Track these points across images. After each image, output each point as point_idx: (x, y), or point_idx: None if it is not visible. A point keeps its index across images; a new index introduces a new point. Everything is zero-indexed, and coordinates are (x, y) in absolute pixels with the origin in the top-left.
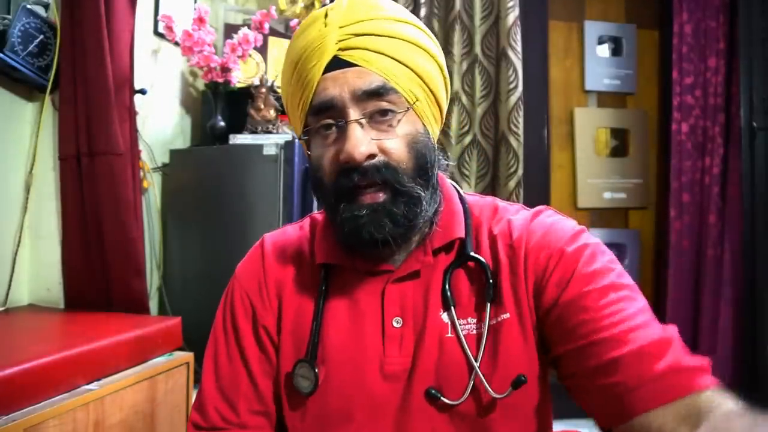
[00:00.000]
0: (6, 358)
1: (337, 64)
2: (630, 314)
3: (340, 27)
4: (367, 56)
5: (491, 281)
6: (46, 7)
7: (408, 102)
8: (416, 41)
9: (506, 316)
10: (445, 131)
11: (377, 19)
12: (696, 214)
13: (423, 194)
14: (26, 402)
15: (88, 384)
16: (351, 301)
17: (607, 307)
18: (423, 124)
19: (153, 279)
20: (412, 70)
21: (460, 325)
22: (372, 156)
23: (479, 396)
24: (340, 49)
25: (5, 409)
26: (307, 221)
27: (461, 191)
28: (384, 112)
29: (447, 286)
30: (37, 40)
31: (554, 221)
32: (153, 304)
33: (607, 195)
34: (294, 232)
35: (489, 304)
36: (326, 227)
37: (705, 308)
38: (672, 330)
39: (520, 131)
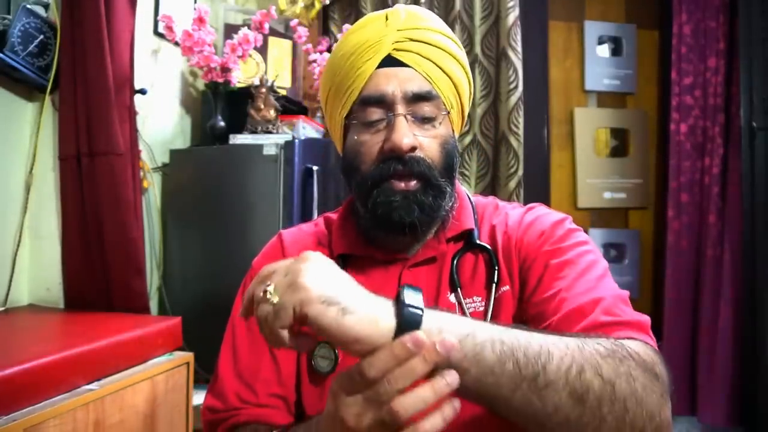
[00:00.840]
0: (6, 358)
1: (389, 62)
2: (570, 285)
3: (398, 30)
4: (418, 60)
5: (496, 267)
6: (46, 7)
7: (446, 107)
8: (456, 55)
9: (506, 288)
10: None
11: (428, 29)
12: (695, 214)
13: (449, 190)
14: (26, 402)
15: (88, 384)
16: (368, 285)
17: (555, 281)
18: (453, 129)
19: (153, 279)
20: (450, 79)
21: (466, 304)
22: (413, 149)
23: None
24: (395, 49)
25: (5, 409)
26: (321, 220)
27: (466, 190)
28: (426, 113)
29: (454, 270)
30: (37, 40)
31: (544, 213)
32: (153, 304)
33: (607, 195)
34: (309, 228)
35: (494, 285)
36: (344, 222)
37: (704, 308)
38: (608, 291)
39: (520, 131)
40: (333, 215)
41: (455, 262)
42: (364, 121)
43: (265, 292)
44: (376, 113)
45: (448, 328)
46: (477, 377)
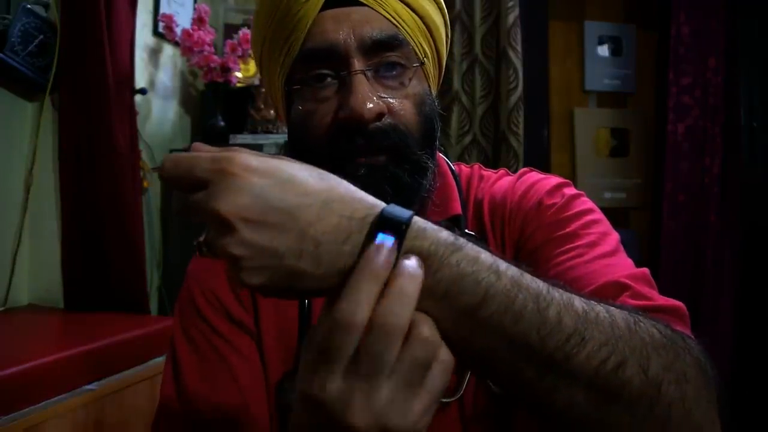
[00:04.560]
0: (6, 358)
1: None
2: (580, 263)
3: None
4: None
5: None
6: (46, 7)
7: (418, 57)
8: None
9: None
10: (445, 131)
11: None
12: (695, 215)
13: (430, 165)
14: (26, 402)
15: (88, 384)
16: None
17: (561, 259)
18: (429, 84)
19: (153, 279)
20: (422, 19)
21: None
22: (380, 116)
23: (480, 391)
24: None
25: (5, 409)
26: None
27: (448, 160)
28: (392, 66)
29: None
30: (37, 40)
31: (538, 179)
32: (153, 304)
33: (607, 195)
34: None
35: None
36: None
37: (704, 309)
38: (627, 269)
39: (520, 131)
40: None
41: None
42: (309, 84)
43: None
44: (325, 72)
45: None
46: (477, 349)
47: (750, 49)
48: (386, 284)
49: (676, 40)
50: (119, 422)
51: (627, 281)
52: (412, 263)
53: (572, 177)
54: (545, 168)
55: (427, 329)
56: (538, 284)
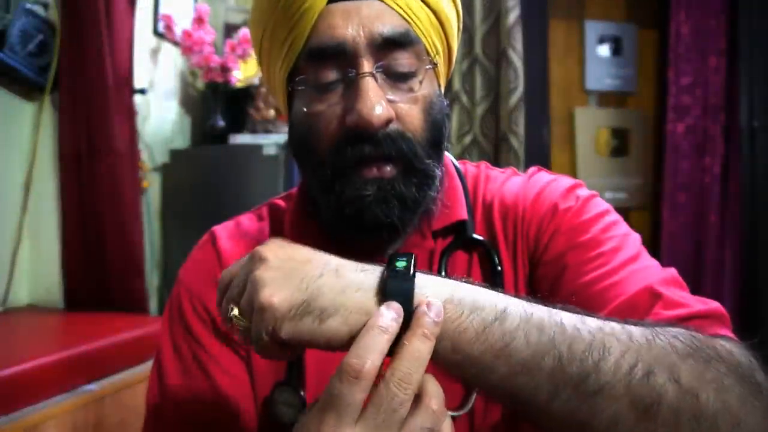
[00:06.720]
0: (6, 358)
1: None
2: (607, 271)
3: None
4: None
5: (500, 268)
6: (46, 6)
7: (430, 55)
8: None
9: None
10: None
11: None
12: (695, 215)
13: (437, 173)
14: (26, 402)
15: (88, 384)
16: None
17: (584, 268)
18: (438, 83)
19: (153, 279)
20: (435, 14)
21: None
22: (388, 121)
23: (490, 404)
24: None
25: (5, 409)
26: (265, 210)
27: (453, 159)
28: (403, 70)
29: (443, 274)
30: (37, 39)
31: (549, 180)
32: (153, 304)
33: (608, 195)
34: (251, 223)
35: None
36: (298, 216)
37: None
38: (656, 274)
39: (521, 131)
40: (281, 202)
41: (444, 263)
42: (315, 84)
43: (231, 317)
44: (331, 72)
45: (459, 308)
46: (505, 376)
47: (750, 48)
48: (402, 341)
49: (676, 39)
50: (119, 422)
51: (658, 289)
52: (428, 321)
53: (572, 177)
54: (545, 168)
55: (435, 402)
56: (552, 312)
